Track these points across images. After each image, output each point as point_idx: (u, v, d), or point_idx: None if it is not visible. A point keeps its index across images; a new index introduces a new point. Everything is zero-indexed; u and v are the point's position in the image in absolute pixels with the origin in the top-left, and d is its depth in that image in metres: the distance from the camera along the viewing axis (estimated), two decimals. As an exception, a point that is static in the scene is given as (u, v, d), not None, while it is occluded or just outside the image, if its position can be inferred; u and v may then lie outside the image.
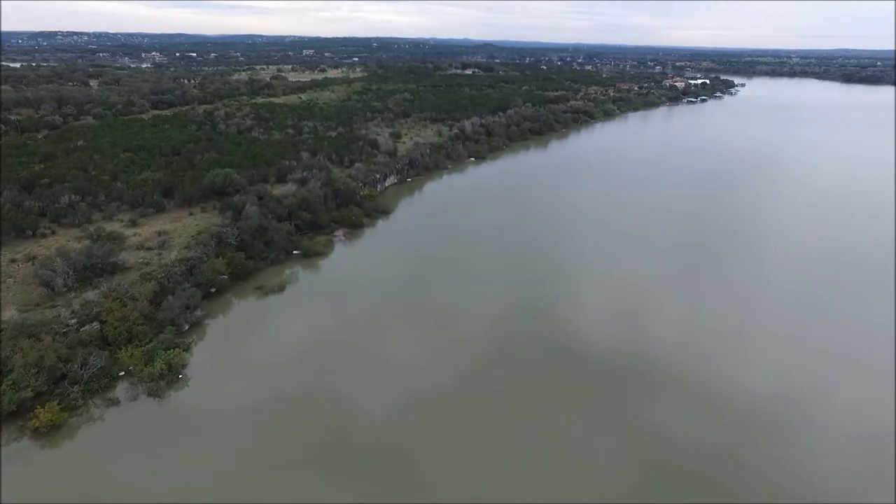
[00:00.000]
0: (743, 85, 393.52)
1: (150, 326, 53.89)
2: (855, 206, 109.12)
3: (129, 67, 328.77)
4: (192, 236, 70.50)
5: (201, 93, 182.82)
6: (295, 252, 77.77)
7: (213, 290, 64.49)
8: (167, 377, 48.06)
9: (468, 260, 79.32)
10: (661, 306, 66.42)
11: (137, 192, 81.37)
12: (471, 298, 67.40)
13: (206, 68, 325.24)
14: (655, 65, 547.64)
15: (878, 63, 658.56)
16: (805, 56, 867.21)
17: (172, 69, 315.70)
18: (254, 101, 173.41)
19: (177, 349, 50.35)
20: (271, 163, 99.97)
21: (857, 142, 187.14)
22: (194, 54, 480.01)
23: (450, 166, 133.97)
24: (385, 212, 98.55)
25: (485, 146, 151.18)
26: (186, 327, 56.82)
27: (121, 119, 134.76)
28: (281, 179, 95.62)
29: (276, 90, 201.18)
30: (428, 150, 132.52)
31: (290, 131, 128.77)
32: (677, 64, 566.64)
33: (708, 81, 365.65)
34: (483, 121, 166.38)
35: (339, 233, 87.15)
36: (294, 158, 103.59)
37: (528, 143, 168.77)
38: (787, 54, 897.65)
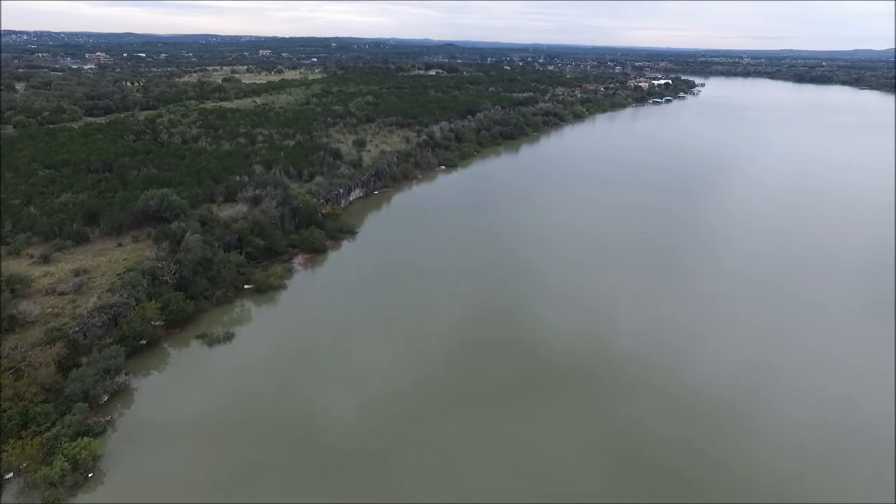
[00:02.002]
0: (703, 85, 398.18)
1: (54, 403, 42.44)
2: (828, 204, 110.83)
3: (69, 69, 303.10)
4: (119, 275, 58.64)
5: (144, 97, 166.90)
6: (246, 287, 66.70)
7: (143, 342, 53.16)
8: (71, 477, 36.93)
9: (443, 279, 72.45)
10: (630, 305, 66.25)
11: (54, 220, 68.54)
12: (448, 318, 62.47)
13: (154, 69, 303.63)
14: (615, 65, 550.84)
15: (824, 63, 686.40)
16: (755, 56, 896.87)
17: (117, 70, 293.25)
18: (203, 105, 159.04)
19: (86, 438, 39.05)
20: (219, 179, 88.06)
21: (823, 143, 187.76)
22: (143, 54, 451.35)
23: (419, 176, 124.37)
24: (350, 231, 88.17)
25: (455, 153, 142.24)
26: (105, 398, 45.47)
27: (46, 128, 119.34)
28: (230, 198, 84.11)
29: (228, 94, 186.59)
30: (395, 159, 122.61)
31: (242, 140, 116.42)
32: (636, 64, 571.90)
33: (670, 82, 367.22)
34: (452, 125, 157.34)
35: (299, 259, 76.59)
36: (246, 173, 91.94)
37: (499, 149, 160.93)
38: (738, 54, 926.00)
